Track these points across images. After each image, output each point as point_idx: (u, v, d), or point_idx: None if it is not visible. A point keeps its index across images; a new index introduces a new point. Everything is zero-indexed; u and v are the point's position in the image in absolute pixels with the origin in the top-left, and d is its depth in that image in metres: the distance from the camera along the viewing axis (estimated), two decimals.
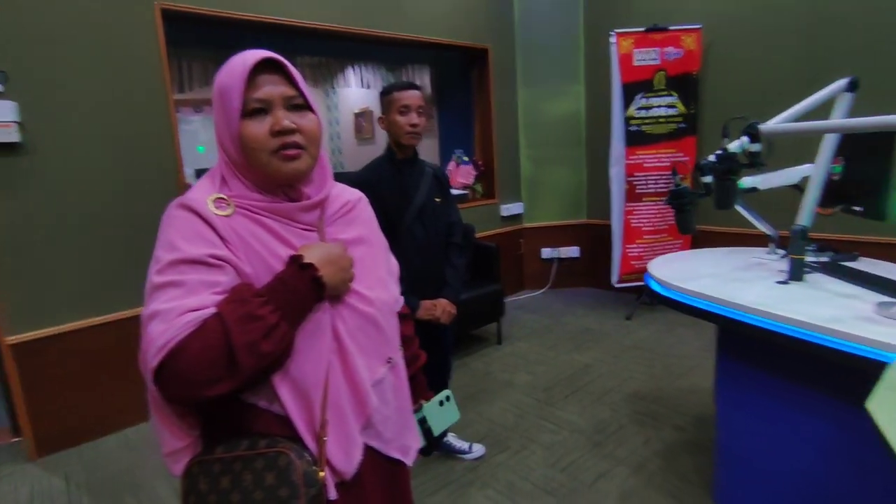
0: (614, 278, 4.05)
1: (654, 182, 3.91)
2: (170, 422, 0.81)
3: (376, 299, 0.94)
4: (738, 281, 1.77)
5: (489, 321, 3.63)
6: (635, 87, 3.83)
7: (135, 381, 1.47)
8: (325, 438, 0.83)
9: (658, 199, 3.93)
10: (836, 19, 3.21)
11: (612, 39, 3.82)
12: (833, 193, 1.95)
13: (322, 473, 0.82)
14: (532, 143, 4.78)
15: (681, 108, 3.86)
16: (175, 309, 0.74)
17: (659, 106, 3.85)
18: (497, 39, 4.43)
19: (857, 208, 1.80)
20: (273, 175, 0.85)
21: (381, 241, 1.07)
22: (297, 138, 0.84)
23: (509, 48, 4.56)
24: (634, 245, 3.96)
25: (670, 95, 3.84)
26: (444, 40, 4.09)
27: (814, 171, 1.75)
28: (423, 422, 1.16)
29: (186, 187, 2.82)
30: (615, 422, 2.55)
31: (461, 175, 4.45)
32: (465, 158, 4.50)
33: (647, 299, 4.04)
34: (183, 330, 0.72)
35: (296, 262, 0.82)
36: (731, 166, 1.44)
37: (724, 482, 1.86)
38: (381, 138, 6.67)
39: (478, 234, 4.18)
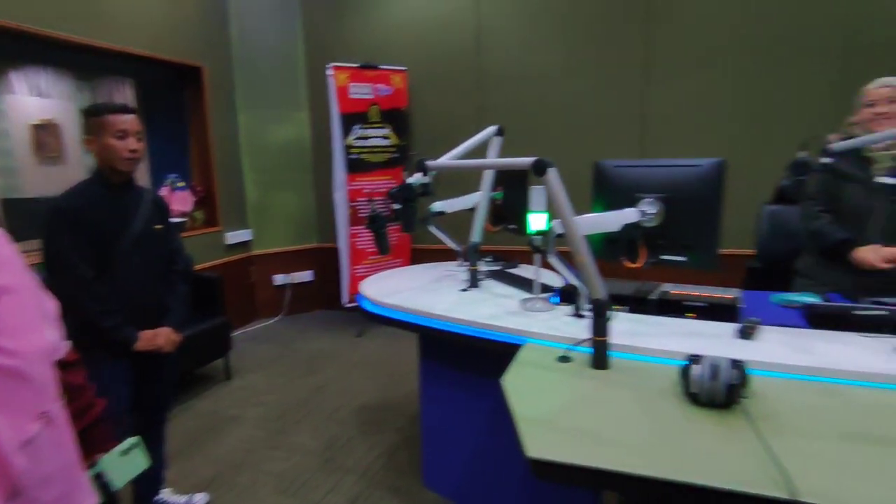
0: (344, 299, 4.23)
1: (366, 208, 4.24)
2: None
3: (22, 350, 0.82)
4: (431, 292, 2.06)
5: (216, 357, 3.38)
6: (352, 117, 4.11)
7: None
8: None
9: None
10: (496, 78, 4.07)
11: (329, 72, 4.04)
12: (497, 215, 2.44)
13: None
14: (257, 168, 4.67)
15: (394, 139, 4.29)
16: None
17: (375, 137, 4.21)
18: (212, 59, 4.22)
19: (512, 227, 2.29)
20: None
21: (27, 283, 0.93)
22: None
23: (226, 69, 4.39)
24: (361, 266, 4.21)
25: (384, 128, 4.24)
26: (148, 53, 3.70)
27: (480, 198, 2.17)
28: (99, 476, 1.04)
29: None
30: (344, 435, 2.66)
31: (177, 202, 4.06)
32: (182, 184, 4.13)
33: None
34: None
35: None
36: (409, 195, 1.70)
37: (429, 465, 2.13)
38: (75, 158, 5.63)
39: (201, 265, 3.89)
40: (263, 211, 4.72)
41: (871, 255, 2.04)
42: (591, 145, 3.74)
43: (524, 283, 2.08)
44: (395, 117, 4.27)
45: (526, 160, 1.37)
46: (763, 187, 2.85)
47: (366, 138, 4.18)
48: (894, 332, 1.45)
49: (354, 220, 4.17)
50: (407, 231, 1.78)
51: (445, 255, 2.59)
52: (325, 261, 4.79)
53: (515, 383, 1.25)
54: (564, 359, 1.39)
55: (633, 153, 3.73)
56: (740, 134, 3.53)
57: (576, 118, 3.87)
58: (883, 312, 1.49)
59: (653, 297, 1.77)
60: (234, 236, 4.43)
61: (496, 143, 2.14)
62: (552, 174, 1.33)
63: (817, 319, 1.59)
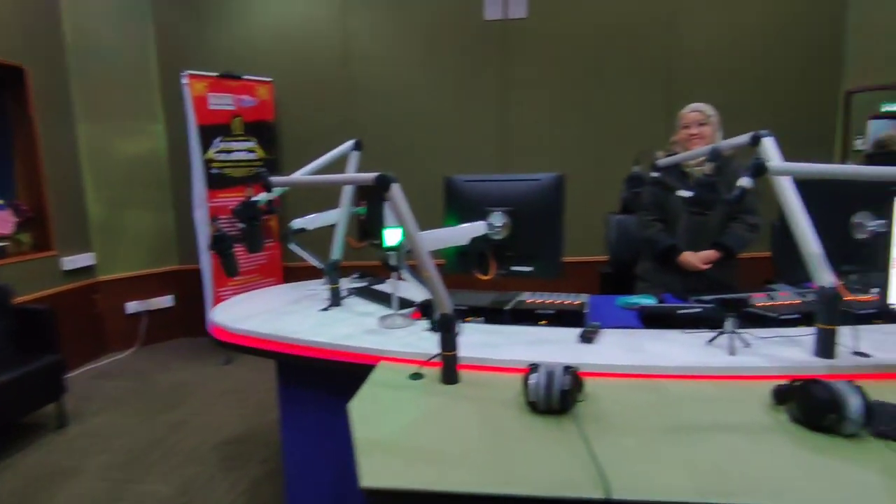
0: (209, 324, 3.91)
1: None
2: None
3: None
4: (289, 314, 1.95)
5: (46, 402, 2.93)
6: (213, 130, 3.84)
7: None
8: None
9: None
10: (364, 92, 4.06)
11: (184, 80, 3.74)
12: (363, 230, 2.40)
13: None
14: (103, 185, 4.18)
15: (260, 152, 4.08)
16: None
17: (238, 150, 3.97)
18: (38, 60, 3.70)
19: (375, 241, 2.25)
20: None
21: None
22: None
23: (59, 73, 3.89)
24: (226, 288, 3.92)
25: (249, 140, 4.01)
26: None
27: (340, 214, 2.11)
28: None
29: None
30: (203, 475, 2.42)
31: None
32: (0, 202, 3.56)
33: None
34: None
35: None
36: (253, 213, 1.60)
37: (293, 497, 2.00)
38: None
39: (27, 296, 3.37)
40: (111, 232, 4.23)
41: (692, 258, 2.30)
42: (456, 159, 3.87)
43: (384, 299, 2.05)
44: (261, 130, 4.07)
45: (369, 175, 1.34)
46: (613, 197, 3.10)
47: (229, 152, 3.92)
48: (709, 327, 1.62)
49: None
50: (252, 251, 1.67)
51: (318, 272, 2.48)
52: (187, 284, 4.39)
53: (362, 407, 1.20)
54: (416, 376, 1.37)
55: (494, 167, 3.90)
56: (590, 149, 3.84)
57: (441, 133, 3.98)
58: (699, 310, 1.66)
59: (508, 307, 1.82)
60: (73, 261, 3.90)
61: (354, 157, 2.09)
62: (395, 189, 1.32)
63: (649, 320, 1.74)
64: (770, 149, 1.50)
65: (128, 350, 4.24)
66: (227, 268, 1.73)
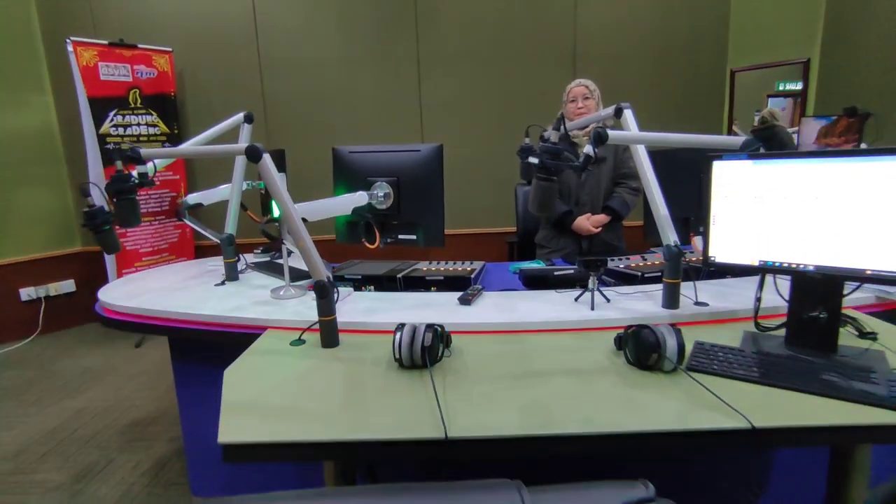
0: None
1: (144, 201, 3.81)
2: None
3: None
4: (180, 290, 1.92)
5: None
6: (106, 102, 3.61)
7: None
8: None
9: (154, 218, 3.87)
10: (276, 64, 3.94)
11: (69, 48, 3.48)
12: (265, 203, 2.39)
13: None
14: None
15: (163, 127, 3.89)
16: None
17: (138, 124, 3.77)
18: None
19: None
20: None
21: None
22: None
23: None
24: (134, 269, 3.76)
25: (149, 114, 3.81)
26: None
27: (232, 188, 2.08)
28: None
29: None
30: (103, 459, 2.36)
31: None
32: None
33: None
34: None
35: None
36: (122, 187, 1.55)
37: (195, 471, 2.02)
38: None
39: None
40: None
41: (584, 222, 2.46)
42: (375, 131, 3.86)
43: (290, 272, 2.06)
44: (161, 103, 3.86)
45: (239, 146, 1.34)
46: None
47: (126, 126, 3.71)
48: (583, 286, 1.76)
49: None
50: (125, 226, 1.62)
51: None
52: (90, 266, 4.17)
53: (235, 373, 1.24)
54: (298, 342, 1.41)
55: (415, 138, 3.93)
56: (503, 124, 3.94)
57: (354, 106, 3.94)
58: (571, 271, 1.80)
59: (400, 275, 1.88)
60: None
61: (246, 130, 2.06)
62: (267, 160, 1.33)
63: (530, 282, 1.86)
64: (630, 119, 1.63)
65: (26, 339, 3.99)
66: (106, 244, 1.67)
